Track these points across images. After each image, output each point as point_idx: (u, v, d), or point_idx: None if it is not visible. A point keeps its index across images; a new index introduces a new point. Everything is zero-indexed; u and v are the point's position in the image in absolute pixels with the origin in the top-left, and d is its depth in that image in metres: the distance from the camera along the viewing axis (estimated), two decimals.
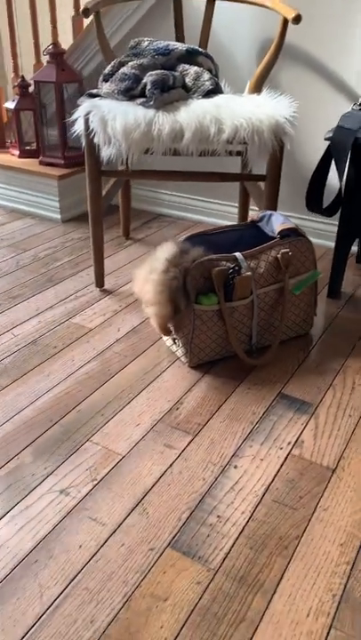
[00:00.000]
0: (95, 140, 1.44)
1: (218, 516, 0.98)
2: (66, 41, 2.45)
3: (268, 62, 1.60)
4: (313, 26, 1.80)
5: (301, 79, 1.88)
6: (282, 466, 1.09)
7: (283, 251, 1.35)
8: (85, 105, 1.47)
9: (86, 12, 1.57)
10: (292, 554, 0.92)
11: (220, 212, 2.22)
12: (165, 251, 1.30)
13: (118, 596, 0.85)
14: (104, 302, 1.66)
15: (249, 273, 1.30)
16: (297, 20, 1.48)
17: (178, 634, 0.80)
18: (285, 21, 1.54)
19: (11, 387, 1.31)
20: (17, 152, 2.37)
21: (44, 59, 2.20)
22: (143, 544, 0.93)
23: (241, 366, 1.37)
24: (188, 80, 1.58)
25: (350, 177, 1.53)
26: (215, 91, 1.58)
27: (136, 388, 1.30)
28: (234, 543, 0.93)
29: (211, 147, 1.42)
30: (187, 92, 1.56)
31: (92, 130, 1.43)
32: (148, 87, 1.48)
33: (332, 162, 1.55)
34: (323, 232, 2.03)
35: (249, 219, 1.52)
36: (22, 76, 2.32)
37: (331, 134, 1.49)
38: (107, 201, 1.69)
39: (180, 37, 1.83)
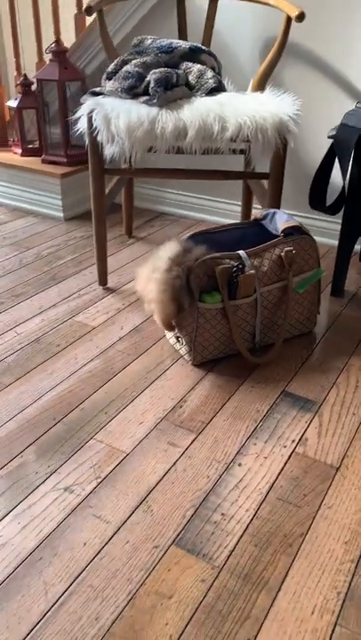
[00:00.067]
0: (98, 138, 1.44)
1: (222, 514, 0.98)
2: (68, 39, 2.45)
3: (272, 60, 1.60)
4: (316, 23, 1.80)
5: (305, 77, 1.88)
6: (286, 464, 1.09)
7: (286, 249, 1.35)
8: (89, 103, 1.47)
9: (89, 11, 1.57)
10: (297, 551, 0.92)
11: (222, 210, 2.22)
12: (168, 250, 1.30)
13: (123, 593, 0.85)
14: (107, 300, 1.66)
15: (253, 271, 1.30)
16: (300, 17, 1.48)
17: (183, 631, 0.80)
18: (289, 19, 1.54)
19: (14, 385, 1.31)
20: (19, 150, 2.37)
21: (47, 57, 2.20)
22: (147, 542, 0.93)
23: (244, 364, 1.37)
24: (191, 78, 1.58)
25: (354, 175, 1.53)
26: (218, 89, 1.58)
27: (139, 386, 1.30)
28: (238, 541, 0.93)
29: (214, 145, 1.42)
30: (190, 89, 1.56)
31: (96, 128, 1.43)
32: (152, 85, 1.47)
33: (336, 160, 1.55)
34: (326, 230, 2.03)
35: (252, 217, 1.52)
36: (25, 75, 2.32)
37: (334, 132, 1.49)
38: (110, 199, 1.69)
39: (182, 35, 1.82)
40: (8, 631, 0.80)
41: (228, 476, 1.06)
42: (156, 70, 1.51)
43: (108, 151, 1.45)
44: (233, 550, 0.92)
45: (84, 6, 1.57)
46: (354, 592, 0.86)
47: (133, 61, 1.55)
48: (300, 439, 1.15)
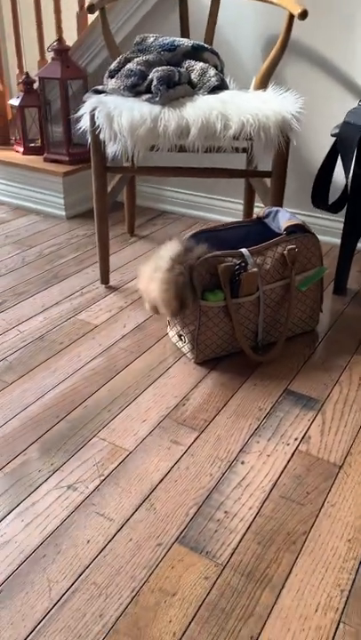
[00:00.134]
0: (101, 136, 1.44)
1: (225, 512, 0.98)
2: (70, 37, 2.44)
3: (274, 58, 1.59)
4: (319, 21, 1.80)
5: (307, 75, 1.88)
6: (289, 462, 1.09)
7: (289, 247, 1.35)
8: (91, 101, 1.47)
9: (91, 9, 1.57)
10: (300, 549, 0.92)
11: (224, 208, 2.22)
12: (170, 249, 1.30)
13: (127, 590, 0.86)
14: (109, 299, 1.67)
15: (255, 269, 1.30)
16: (303, 15, 1.48)
17: (186, 628, 0.80)
18: (291, 17, 1.54)
19: (17, 383, 1.31)
20: (21, 149, 2.37)
21: (49, 55, 2.20)
22: (151, 539, 0.93)
23: (247, 362, 1.37)
24: (193, 76, 1.58)
25: (356, 173, 1.53)
26: (221, 87, 1.58)
27: (142, 384, 1.30)
28: (241, 538, 0.94)
29: (217, 143, 1.42)
30: (192, 88, 1.56)
31: (98, 126, 1.43)
32: (154, 83, 1.47)
33: (339, 158, 1.55)
34: (328, 229, 2.03)
35: (254, 215, 1.52)
36: (27, 73, 2.32)
37: (337, 130, 1.49)
38: (112, 197, 1.69)
39: (185, 33, 1.82)
40: (12, 628, 0.81)
41: (231, 473, 1.06)
42: (159, 68, 1.51)
43: (111, 149, 1.45)
44: (236, 548, 0.92)
45: (87, 4, 1.57)
46: (357, 590, 0.86)
47: (136, 59, 1.55)
48: (302, 437, 1.15)
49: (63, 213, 2.25)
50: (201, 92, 1.55)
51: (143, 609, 0.83)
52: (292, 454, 1.10)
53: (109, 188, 1.67)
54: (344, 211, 1.98)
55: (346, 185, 1.54)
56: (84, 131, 1.51)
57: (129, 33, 2.11)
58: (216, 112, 1.40)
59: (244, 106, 1.43)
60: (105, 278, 1.73)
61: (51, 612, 0.83)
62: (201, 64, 1.59)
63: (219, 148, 1.54)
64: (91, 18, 2.24)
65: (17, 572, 0.88)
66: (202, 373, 1.34)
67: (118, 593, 0.85)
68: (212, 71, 1.58)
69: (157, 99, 1.46)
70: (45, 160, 2.27)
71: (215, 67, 1.62)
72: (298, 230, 1.39)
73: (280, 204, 1.56)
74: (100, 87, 1.57)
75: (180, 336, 1.39)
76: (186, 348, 1.38)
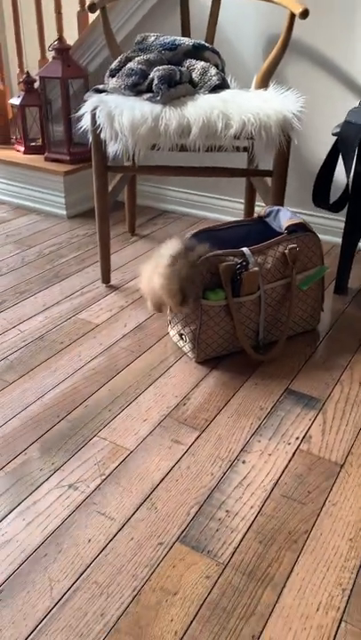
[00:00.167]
0: (102, 135, 1.44)
1: (226, 511, 0.98)
2: (71, 36, 2.44)
3: (275, 57, 1.59)
4: (320, 20, 1.80)
5: (308, 74, 1.88)
6: (290, 461, 1.09)
7: (290, 246, 1.35)
8: (92, 100, 1.47)
9: (92, 8, 1.57)
10: (302, 548, 0.92)
11: (225, 208, 2.22)
12: (170, 248, 1.29)
13: (128, 589, 0.85)
14: (110, 298, 1.66)
15: (256, 268, 1.30)
16: (304, 14, 1.48)
17: (188, 627, 0.80)
18: (292, 16, 1.54)
19: (17, 382, 1.31)
20: (22, 148, 2.37)
21: (50, 54, 2.20)
22: (152, 538, 0.93)
23: (248, 362, 1.37)
24: (194, 75, 1.58)
25: (358, 172, 1.53)
26: (222, 86, 1.58)
27: (143, 383, 1.30)
28: (243, 537, 0.93)
29: (218, 142, 1.42)
30: (193, 87, 1.56)
31: (99, 125, 1.43)
32: (155, 82, 1.47)
33: (340, 157, 1.55)
34: (329, 228, 2.03)
35: (255, 214, 1.52)
36: (27, 72, 2.32)
37: (338, 129, 1.49)
38: (113, 197, 1.69)
39: (186, 32, 1.82)
40: (13, 627, 0.81)
41: (232, 473, 1.06)
42: (160, 67, 1.51)
43: (112, 148, 1.45)
44: (237, 547, 0.92)
45: (87, 3, 1.57)
46: (359, 588, 0.86)
47: (137, 58, 1.55)
48: (304, 436, 1.15)
49: (64, 213, 2.25)
50: (202, 91, 1.55)
51: (145, 608, 0.83)
52: (294, 453, 1.10)
53: (110, 188, 1.67)
54: (345, 210, 1.98)
55: (347, 184, 1.54)
56: (84, 130, 1.50)
57: (130, 32, 2.11)
58: (217, 111, 1.40)
59: (245, 105, 1.43)
60: (106, 277, 1.73)
61: (52, 611, 0.83)
62: (202, 63, 1.59)
63: (220, 148, 1.54)
64: (92, 17, 2.24)
65: (18, 572, 0.88)
66: (203, 373, 1.34)
67: (120, 592, 0.85)
68: (213, 70, 1.58)
69: (158, 98, 1.45)
70: (46, 159, 2.27)
71: (216, 66, 1.62)
72: (299, 229, 1.38)
73: (281, 204, 1.56)
74: (100, 86, 1.57)
75: (180, 335, 1.39)
76: (187, 347, 1.38)
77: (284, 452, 1.11)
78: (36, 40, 2.47)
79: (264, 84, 1.63)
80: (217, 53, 1.65)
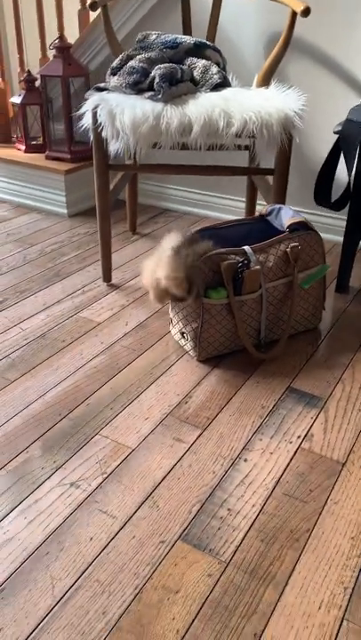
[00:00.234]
0: (103, 133, 1.43)
1: (228, 509, 0.98)
2: (72, 35, 2.44)
3: (277, 55, 1.59)
4: (321, 18, 1.79)
5: (310, 72, 1.88)
6: (292, 459, 1.08)
7: (292, 244, 1.34)
8: (93, 98, 1.47)
9: (93, 6, 1.56)
10: (304, 547, 0.92)
11: (226, 206, 2.22)
12: (172, 241, 1.29)
13: (130, 588, 0.85)
14: (111, 297, 1.66)
15: (258, 267, 1.30)
16: (306, 12, 1.47)
17: (190, 626, 0.80)
18: (294, 14, 1.53)
19: (19, 381, 1.31)
20: (23, 147, 2.37)
21: (51, 53, 2.20)
22: (154, 537, 0.93)
23: (250, 360, 1.37)
24: (196, 73, 1.57)
25: (359, 171, 1.53)
26: (223, 84, 1.57)
27: (145, 381, 1.30)
28: (245, 536, 0.93)
29: (219, 140, 1.42)
30: (195, 85, 1.56)
31: (100, 124, 1.43)
32: (157, 80, 1.47)
33: (341, 155, 1.55)
34: (331, 226, 2.03)
35: (257, 213, 1.51)
36: (28, 71, 2.32)
37: (340, 128, 1.48)
38: (114, 195, 1.68)
39: (187, 30, 1.82)
40: (15, 625, 0.81)
41: (233, 471, 1.06)
42: (161, 66, 1.50)
43: (113, 147, 1.45)
44: (239, 545, 0.92)
45: (88, 2, 1.57)
46: None
47: (138, 57, 1.55)
48: (305, 435, 1.15)
49: (65, 211, 2.25)
50: (203, 90, 1.55)
51: (146, 606, 0.83)
52: (295, 452, 1.10)
53: (111, 186, 1.67)
54: (347, 208, 1.98)
55: (349, 182, 1.54)
56: (86, 128, 1.50)
57: (131, 30, 2.11)
58: (219, 109, 1.40)
59: (246, 103, 1.43)
60: (107, 276, 1.73)
61: (54, 610, 0.83)
62: (203, 61, 1.59)
63: (221, 146, 1.53)
64: (93, 15, 2.24)
65: (20, 570, 0.88)
66: (204, 371, 1.34)
67: (121, 590, 0.85)
68: (214, 68, 1.57)
69: (160, 96, 1.45)
70: (47, 158, 2.27)
71: (217, 64, 1.62)
72: (301, 228, 1.38)
73: (283, 202, 1.56)
74: (102, 85, 1.56)
75: (182, 334, 1.39)
76: (188, 345, 1.38)
77: (286, 451, 1.10)
78: (37, 38, 2.47)
79: (265, 82, 1.63)
80: (218, 52, 1.64)
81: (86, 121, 1.49)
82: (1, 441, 1.13)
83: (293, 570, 0.88)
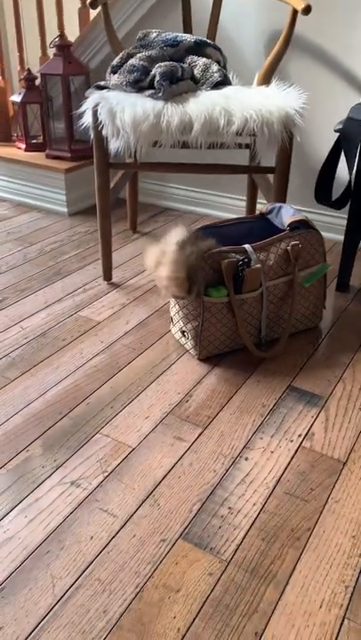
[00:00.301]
0: (103, 132, 1.43)
1: (229, 508, 0.98)
2: (72, 33, 2.44)
3: (278, 53, 1.59)
4: (322, 16, 1.79)
5: (311, 70, 1.87)
6: (293, 458, 1.08)
7: (292, 243, 1.34)
8: (94, 97, 1.47)
9: (94, 4, 1.56)
10: (304, 545, 0.92)
11: (227, 205, 2.22)
12: (177, 235, 1.29)
13: (130, 586, 0.85)
14: (112, 295, 1.66)
15: (258, 265, 1.30)
16: (307, 10, 1.47)
17: (191, 624, 0.80)
18: (295, 12, 1.53)
19: (20, 379, 1.30)
20: (23, 145, 2.36)
21: (51, 51, 2.20)
22: (155, 535, 0.93)
23: (250, 359, 1.37)
24: (196, 72, 1.57)
25: (360, 169, 1.52)
26: (224, 82, 1.57)
27: (145, 380, 1.30)
28: (245, 535, 0.93)
29: (220, 139, 1.42)
30: (195, 83, 1.56)
31: (101, 122, 1.42)
32: (157, 79, 1.47)
33: (342, 154, 1.54)
34: (332, 225, 2.03)
35: (258, 211, 1.51)
36: (28, 69, 2.31)
37: (340, 126, 1.48)
38: (114, 194, 1.68)
39: (187, 29, 1.82)
40: (15, 624, 0.80)
41: (234, 470, 1.06)
42: (162, 64, 1.50)
43: (113, 145, 1.45)
44: (240, 544, 0.92)
45: (89, 0, 1.57)
46: None
47: (138, 55, 1.55)
48: (306, 434, 1.14)
49: (65, 210, 2.25)
50: (204, 88, 1.54)
51: (147, 605, 0.83)
52: (296, 451, 1.10)
53: (112, 185, 1.66)
54: (347, 207, 1.98)
55: (349, 181, 1.54)
56: (86, 127, 1.50)
57: (131, 28, 2.10)
58: (219, 108, 1.40)
59: (247, 101, 1.43)
60: (107, 275, 1.72)
61: (54, 608, 0.82)
62: (204, 60, 1.59)
63: (222, 144, 1.53)
64: (93, 13, 2.24)
65: (20, 569, 0.88)
66: (205, 370, 1.34)
67: (122, 589, 0.85)
68: (214, 67, 1.57)
69: (160, 94, 1.45)
70: (47, 157, 2.27)
71: (218, 62, 1.62)
72: (301, 226, 1.38)
73: (283, 201, 1.55)
74: (102, 83, 1.56)
75: (182, 332, 1.39)
76: (189, 344, 1.38)
77: (287, 450, 1.10)
78: (38, 37, 2.46)
79: (266, 80, 1.63)
80: (219, 50, 1.64)
81: (87, 119, 1.49)
82: (1, 440, 1.13)
83: (294, 569, 0.88)
